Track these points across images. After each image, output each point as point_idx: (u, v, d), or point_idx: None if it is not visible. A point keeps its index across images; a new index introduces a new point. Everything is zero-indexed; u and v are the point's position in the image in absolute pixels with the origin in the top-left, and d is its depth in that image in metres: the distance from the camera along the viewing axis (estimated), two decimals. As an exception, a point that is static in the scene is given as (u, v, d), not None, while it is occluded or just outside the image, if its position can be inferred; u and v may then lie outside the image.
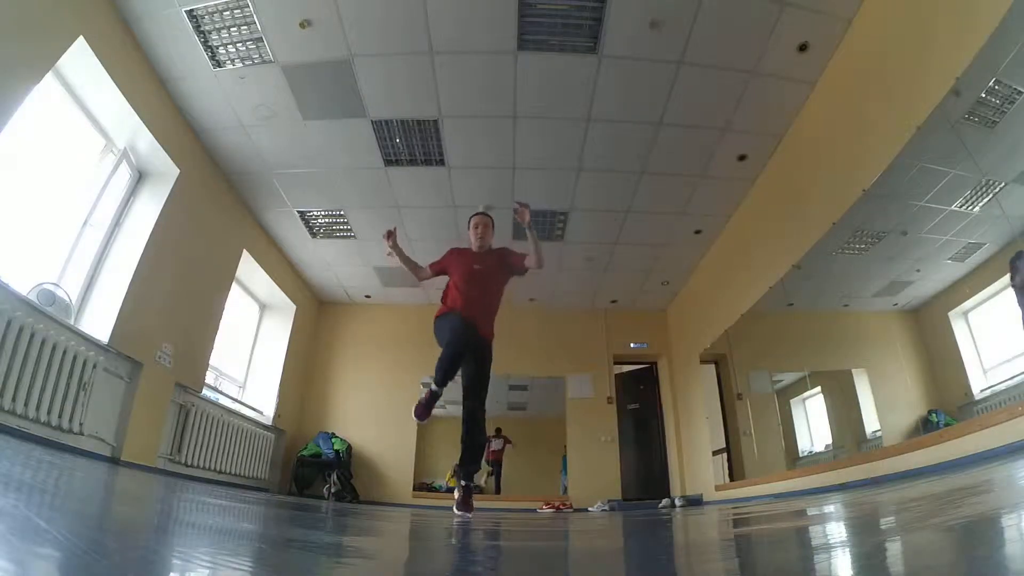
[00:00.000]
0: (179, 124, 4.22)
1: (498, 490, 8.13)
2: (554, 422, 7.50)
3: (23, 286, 3.08)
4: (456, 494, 2.89)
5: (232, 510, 1.85)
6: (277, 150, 4.63)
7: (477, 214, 3.27)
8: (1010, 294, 2.61)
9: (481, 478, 8.13)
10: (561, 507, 6.22)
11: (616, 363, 7.55)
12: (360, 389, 7.12)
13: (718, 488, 5.59)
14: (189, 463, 4.55)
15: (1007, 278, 2.64)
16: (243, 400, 5.96)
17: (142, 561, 0.61)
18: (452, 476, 8.72)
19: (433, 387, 2.84)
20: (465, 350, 2.86)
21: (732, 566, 0.86)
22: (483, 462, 8.32)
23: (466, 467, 2.93)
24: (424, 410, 2.86)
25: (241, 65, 3.77)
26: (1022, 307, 2.52)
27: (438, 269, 3.24)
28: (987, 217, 2.73)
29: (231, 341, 5.80)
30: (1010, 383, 2.61)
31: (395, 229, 3.18)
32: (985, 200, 2.71)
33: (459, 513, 2.78)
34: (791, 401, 4.65)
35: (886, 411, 3.53)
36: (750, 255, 5.01)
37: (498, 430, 8.25)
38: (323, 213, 5.53)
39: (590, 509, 6.06)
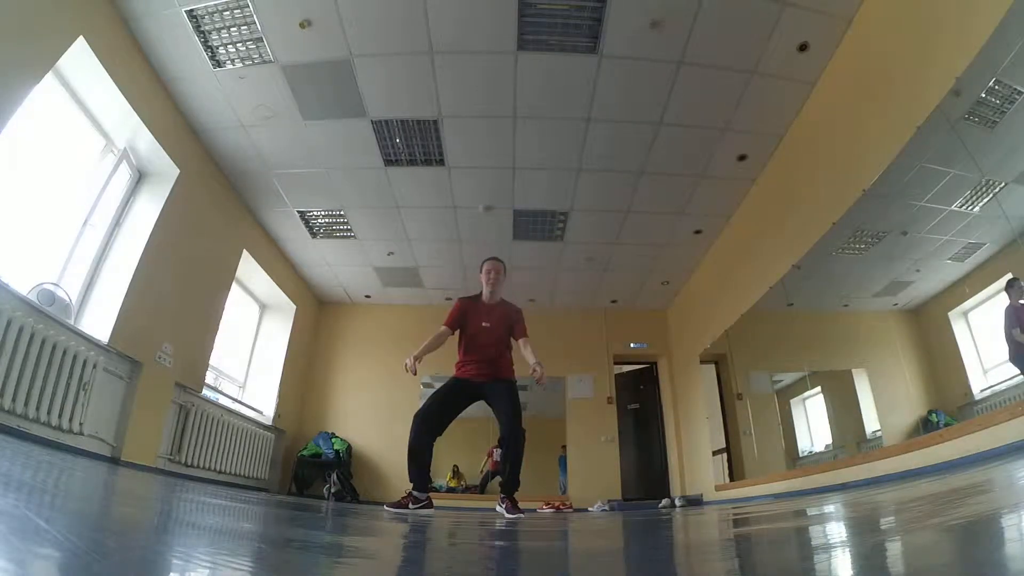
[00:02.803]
0: (179, 124, 4.22)
1: (483, 490, 8.12)
2: (554, 422, 7.50)
3: (23, 286, 3.08)
4: (504, 505, 2.97)
5: (232, 510, 1.85)
6: (277, 150, 4.63)
7: (489, 260, 3.33)
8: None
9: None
10: (561, 507, 6.21)
11: (616, 363, 7.55)
12: (360, 389, 7.12)
13: (718, 488, 5.59)
14: (189, 463, 4.55)
15: (1006, 278, 2.64)
16: (243, 400, 5.96)
17: (142, 561, 0.61)
18: (452, 476, 8.74)
19: (413, 491, 2.95)
20: (426, 445, 2.98)
21: (732, 566, 0.86)
22: (487, 472, 8.31)
23: (510, 488, 2.99)
24: (398, 505, 2.98)
25: (241, 65, 3.77)
26: (1007, 331, 2.53)
27: (456, 324, 3.25)
28: (987, 217, 2.73)
29: (231, 341, 5.80)
30: (1010, 383, 2.61)
31: (412, 362, 3.06)
32: (985, 200, 2.71)
33: (513, 516, 2.82)
34: (791, 401, 4.65)
35: (886, 411, 3.53)
36: (750, 255, 5.01)
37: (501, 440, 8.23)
38: (323, 213, 5.53)
39: (590, 509, 6.06)
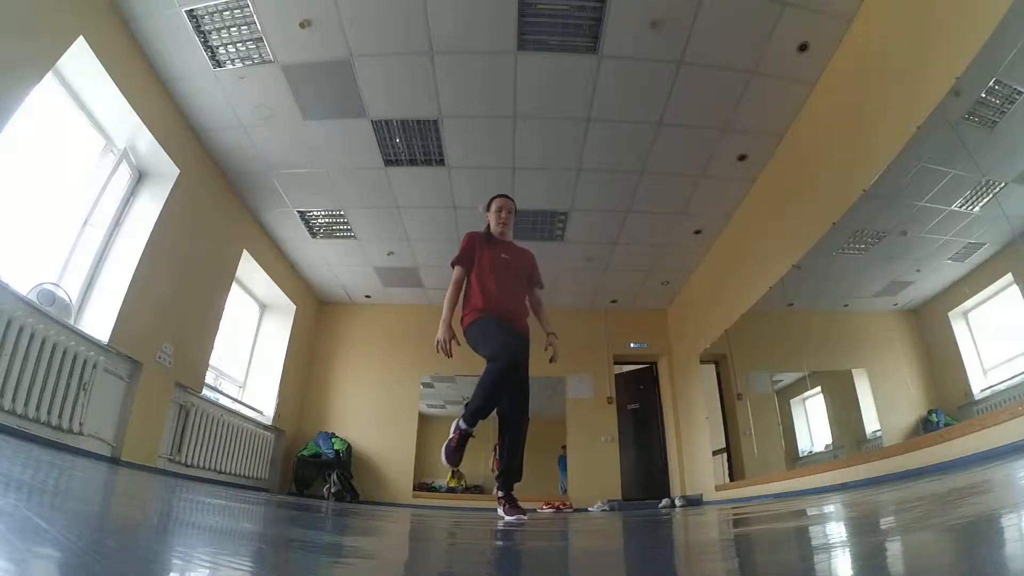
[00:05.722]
0: (179, 124, 4.22)
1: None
2: (554, 422, 7.50)
3: (23, 286, 3.08)
4: (502, 506, 2.61)
5: (232, 510, 1.85)
6: (277, 150, 4.63)
7: (501, 196, 2.92)
8: (1011, 293, 2.61)
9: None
10: (561, 507, 6.21)
11: (616, 363, 7.55)
12: (360, 389, 7.13)
13: (718, 488, 5.59)
14: (189, 463, 4.55)
15: (1006, 278, 2.64)
16: (243, 400, 5.96)
17: (142, 561, 0.61)
18: (452, 476, 8.75)
19: (462, 425, 2.50)
20: (517, 363, 2.50)
21: (732, 566, 0.86)
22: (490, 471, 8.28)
23: (511, 480, 2.66)
24: (455, 454, 2.51)
25: (241, 65, 3.77)
26: None
27: (469, 261, 2.79)
28: (987, 217, 2.73)
29: (231, 341, 5.80)
30: (1010, 383, 2.61)
31: (447, 342, 2.63)
32: (985, 200, 2.71)
33: (513, 517, 2.50)
34: (791, 401, 4.65)
35: (886, 411, 3.53)
36: (750, 255, 5.01)
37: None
38: (323, 213, 5.53)
39: (590, 509, 6.05)
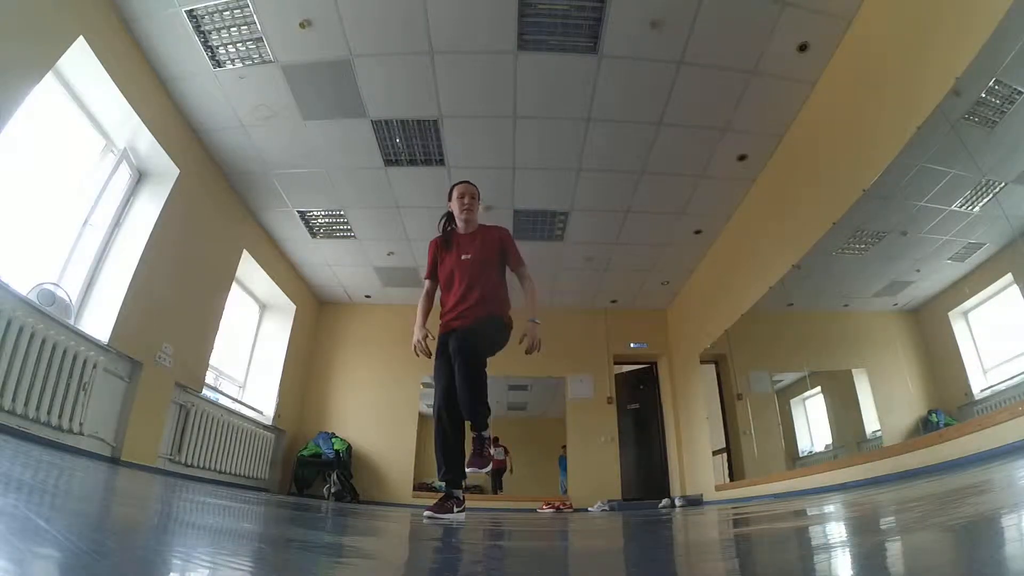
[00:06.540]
0: (179, 124, 4.22)
1: (496, 490, 8.14)
2: (554, 422, 7.51)
3: (23, 286, 3.08)
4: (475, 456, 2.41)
5: (232, 510, 1.85)
6: (277, 150, 4.63)
7: (461, 183, 2.79)
8: (1011, 293, 2.62)
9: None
10: (561, 507, 6.22)
11: (616, 363, 7.56)
12: (360, 389, 7.13)
13: (718, 488, 5.59)
14: (189, 463, 4.55)
15: (1006, 278, 2.64)
16: (243, 400, 5.96)
17: (142, 561, 0.61)
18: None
19: (440, 483, 2.37)
20: (450, 412, 2.37)
21: (732, 566, 0.86)
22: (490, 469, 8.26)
23: (476, 424, 2.39)
24: (440, 509, 2.31)
25: (241, 65, 3.77)
26: None
27: (433, 272, 2.80)
28: (987, 217, 2.73)
29: (231, 341, 5.80)
30: (1010, 383, 2.61)
31: (422, 340, 2.61)
32: (985, 200, 2.71)
33: (476, 470, 2.39)
34: (791, 401, 4.64)
35: (886, 411, 3.53)
36: (750, 255, 5.01)
37: (495, 439, 8.26)
38: (323, 213, 5.53)
39: (590, 509, 6.06)
